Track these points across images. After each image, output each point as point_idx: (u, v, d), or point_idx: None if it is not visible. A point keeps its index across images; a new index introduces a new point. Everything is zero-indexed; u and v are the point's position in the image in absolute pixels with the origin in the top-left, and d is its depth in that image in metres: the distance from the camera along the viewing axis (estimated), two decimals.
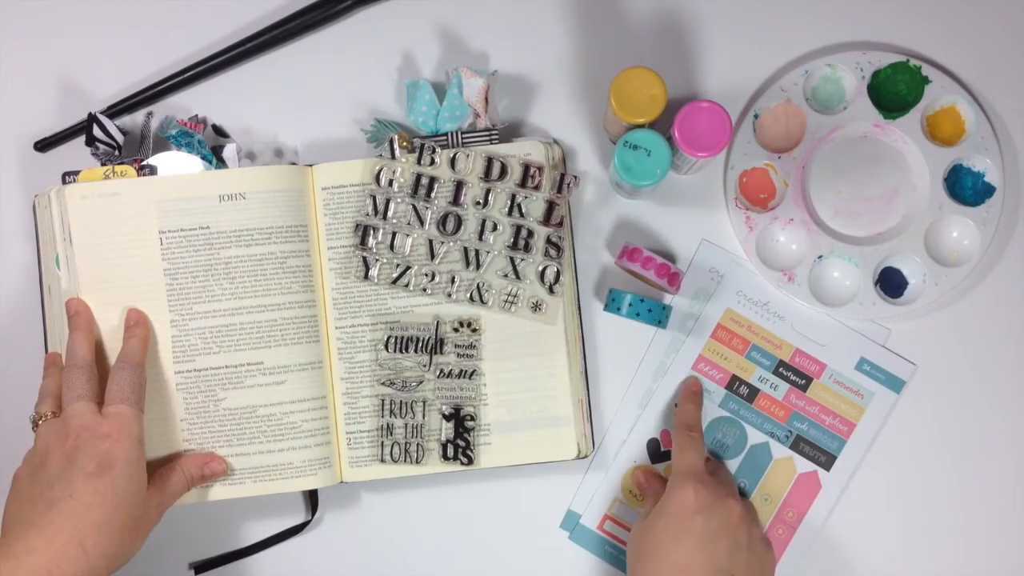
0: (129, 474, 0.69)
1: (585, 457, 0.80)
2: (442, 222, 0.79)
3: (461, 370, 0.79)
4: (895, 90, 0.82)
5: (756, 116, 0.82)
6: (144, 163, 0.79)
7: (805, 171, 0.82)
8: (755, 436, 0.82)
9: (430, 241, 0.79)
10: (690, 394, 0.80)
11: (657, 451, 0.82)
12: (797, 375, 0.82)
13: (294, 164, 0.82)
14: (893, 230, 0.82)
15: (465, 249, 0.79)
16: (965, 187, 0.82)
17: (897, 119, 0.81)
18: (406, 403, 0.79)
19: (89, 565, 0.66)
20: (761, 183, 0.82)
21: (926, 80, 0.82)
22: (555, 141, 0.82)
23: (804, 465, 0.82)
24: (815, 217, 0.82)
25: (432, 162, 0.79)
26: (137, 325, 0.76)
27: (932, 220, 0.81)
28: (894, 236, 0.81)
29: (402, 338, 0.79)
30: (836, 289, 0.82)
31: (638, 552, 0.74)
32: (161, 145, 0.80)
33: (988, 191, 0.81)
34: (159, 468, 0.75)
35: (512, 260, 0.79)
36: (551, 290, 0.79)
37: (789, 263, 0.82)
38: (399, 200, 0.79)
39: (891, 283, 0.82)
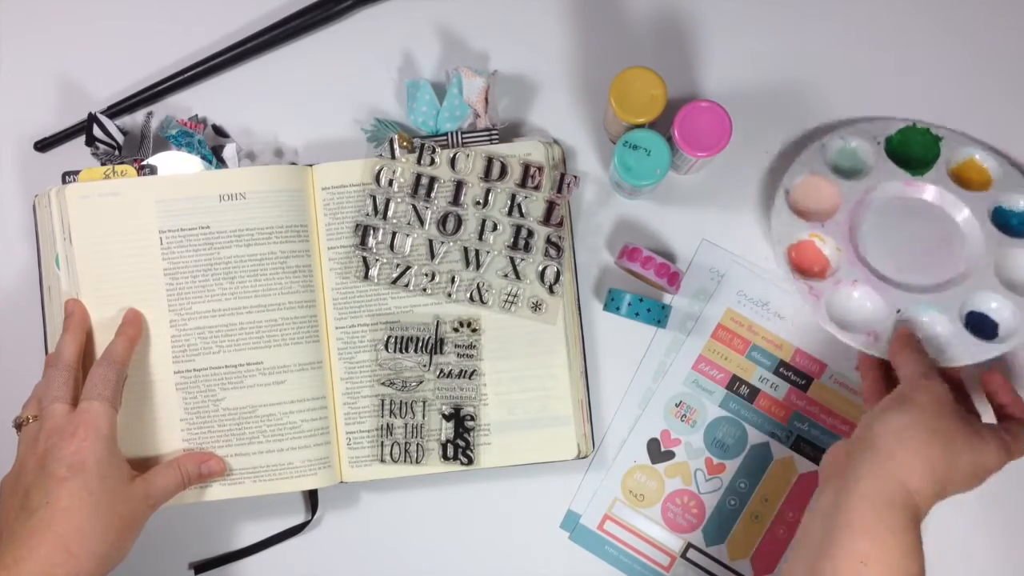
0: (102, 473, 0.69)
1: (585, 457, 0.80)
2: (442, 222, 0.79)
3: (461, 370, 0.79)
4: (911, 152, 0.81)
5: (787, 192, 0.80)
6: (144, 163, 0.79)
7: (853, 233, 0.80)
8: (755, 436, 0.82)
9: (430, 241, 0.79)
10: (904, 344, 0.76)
11: (657, 451, 0.82)
12: (797, 375, 0.82)
13: (294, 164, 0.82)
14: (962, 274, 0.79)
15: (465, 249, 0.79)
16: (1012, 225, 0.80)
17: (924, 174, 0.80)
18: (406, 403, 0.79)
19: (79, 567, 0.65)
20: (811, 255, 0.80)
21: (938, 138, 0.81)
22: (555, 141, 0.82)
23: (804, 465, 0.82)
24: (879, 274, 0.79)
25: (432, 162, 0.79)
26: (129, 324, 0.76)
27: (994, 259, 0.78)
28: (966, 279, 0.78)
29: (402, 338, 0.79)
30: (930, 339, 0.78)
31: (885, 438, 0.68)
32: (161, 145, 0.80)
33: None
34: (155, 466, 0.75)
35: (512, 260, 0.79)
36: (551, 290, 0.79)
37: (869, 322, 0.78)
38: (399, 200, 0.79)
39: (981, 325, 0.78)
